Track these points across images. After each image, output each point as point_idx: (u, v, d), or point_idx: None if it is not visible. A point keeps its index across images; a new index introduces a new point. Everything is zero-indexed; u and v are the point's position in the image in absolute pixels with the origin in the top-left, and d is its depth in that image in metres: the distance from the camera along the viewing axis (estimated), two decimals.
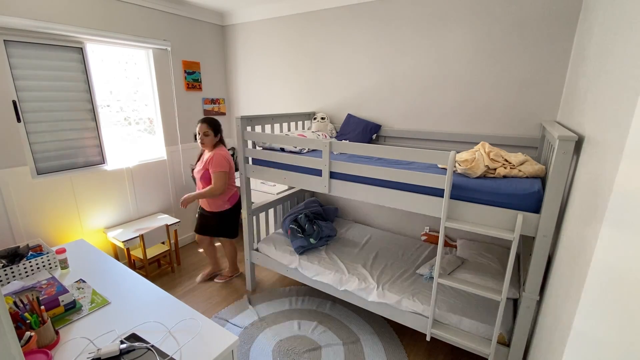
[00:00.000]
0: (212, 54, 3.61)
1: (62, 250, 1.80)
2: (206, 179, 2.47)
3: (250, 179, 2.56)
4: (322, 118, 2.98)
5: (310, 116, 3.14)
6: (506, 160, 1.69)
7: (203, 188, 2.50)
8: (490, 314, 1.80)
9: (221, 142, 2.57)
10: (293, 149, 2.25)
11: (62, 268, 1.81)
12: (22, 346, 1.10)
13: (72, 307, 1.43)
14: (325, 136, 2.69)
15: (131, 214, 3.10)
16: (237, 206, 2.68)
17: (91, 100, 2.68)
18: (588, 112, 1.33)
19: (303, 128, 3.13)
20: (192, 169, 2.67)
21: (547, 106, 2.16)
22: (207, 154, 2.48)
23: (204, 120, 2.43)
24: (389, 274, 2.23)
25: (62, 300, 1.40)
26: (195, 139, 2.43)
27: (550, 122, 1.93)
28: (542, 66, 2.11)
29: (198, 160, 2.59)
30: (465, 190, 1.60)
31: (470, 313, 1.83)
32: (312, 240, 2.51)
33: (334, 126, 3.03)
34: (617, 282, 0.60)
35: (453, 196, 1.63)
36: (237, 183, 2.72)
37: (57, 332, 1.28)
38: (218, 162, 2.40)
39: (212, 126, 2.43)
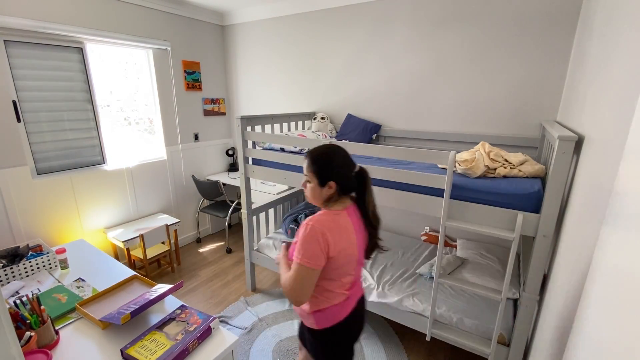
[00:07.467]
0: (212, 54, 3.61)
1: (62, 250, 1.80)
2: None
3: (250, 179, 2.56)
4: (322, 118, 2.98)
5: (310, 116, 3.14)
6: (506, 160, 1.69)
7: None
8: (491, 314, 1.81)
9: (343, 194, 1.23)
10: (293, 149, 2.25)
11: (62, 268, 1.80)
12: (22, 346, 1.10)
13: None
14: (325, 136, 2.69)
15: (131, 214, 3.10)
16: (337, 332, 1.26)
17: (91, 100, 2.68)
18: (588, 112, 1.33)
19: (303, 128, 3.13)
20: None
21: (547, 106, 2.16)
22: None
23: (309, 154, 1.23)
24: (389, 274, 2.23)
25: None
26: None
27: (550, 122, 1.93)
28: (542, 66, 2.11)
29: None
30: (465, 190, 1.60)
31: (470, 313, 1.83)
32: None
33: (334, 126, 3.03)
34: (617, 282, 0.60)
35: (453, 196, 1.63)
36: (344, 288, 1.25)
37: (57, 332, 1.28)
38: (305, 242, 1.11)
39: (318, 166, 1.19)
